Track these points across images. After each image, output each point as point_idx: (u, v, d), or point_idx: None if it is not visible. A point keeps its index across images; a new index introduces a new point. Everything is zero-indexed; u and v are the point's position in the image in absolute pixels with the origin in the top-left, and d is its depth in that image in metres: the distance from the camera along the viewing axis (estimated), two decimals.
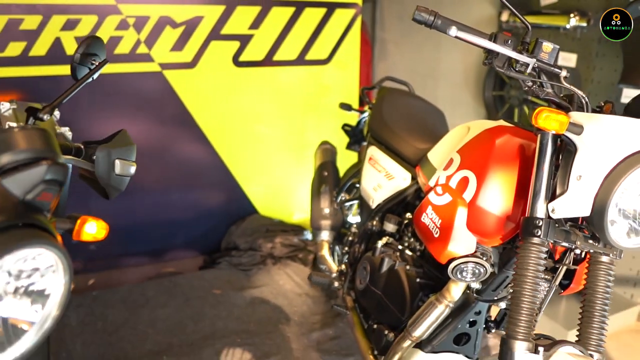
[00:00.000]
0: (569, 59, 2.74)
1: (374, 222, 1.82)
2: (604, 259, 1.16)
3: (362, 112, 2.57)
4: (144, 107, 2.81)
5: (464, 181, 1.32)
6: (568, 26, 2.66)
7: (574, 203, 1.08)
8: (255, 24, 2.92)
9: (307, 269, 2.80)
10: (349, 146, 2.64)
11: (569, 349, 1.11)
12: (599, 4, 2.57)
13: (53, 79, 2.55)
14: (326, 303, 2.51)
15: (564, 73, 1.17)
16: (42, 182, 0.75)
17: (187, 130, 2.91)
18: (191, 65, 2.85)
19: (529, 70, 1.15)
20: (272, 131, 3.15)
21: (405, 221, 1.71)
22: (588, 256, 1.20)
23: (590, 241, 1.14)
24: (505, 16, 3.02)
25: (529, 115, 1.18)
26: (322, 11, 3.08)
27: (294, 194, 3.29)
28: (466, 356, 1.49)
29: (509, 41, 1.15)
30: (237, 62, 2.94)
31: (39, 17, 2.48)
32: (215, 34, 2.84)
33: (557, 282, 1.23)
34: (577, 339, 1.16)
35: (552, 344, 1.11)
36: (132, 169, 1.06)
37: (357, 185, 2.14)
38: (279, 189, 3.28)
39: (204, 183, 3.08)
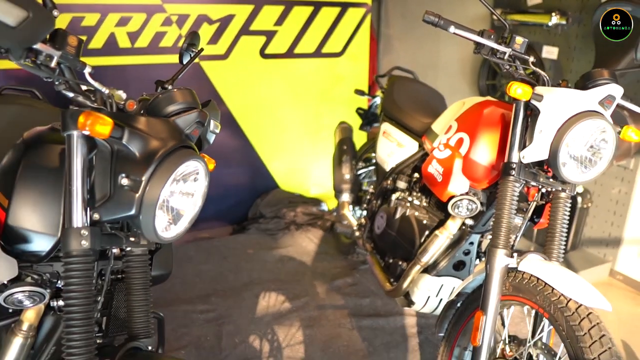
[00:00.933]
0: (551, 52, 3.17)
1: (389, 182, 2.25)
2: (563, 195, 1.59)
3: (373, 96, 3.00)
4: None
5: (460, 141, 1.76)
6: (550, 23, 3.08)
7: (537, 150, 1.51)
8: (280, 21, 3.35)
9: (325, 234, 3.24)
10: (362, 127, 3.09)
11: (537, 257, 1.54)
12: (576, 5, 3.00)
13: (109, 68, 2.97)
14: (342, 259, 2.95)
15: (531, 59, 1.59)
16: (194, 123, 1.17)
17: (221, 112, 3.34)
18: (224, 57, 3.27)
19: (506, 57, 1.58)
20: (292, 115, 3.58)
21: (414, 179, 2.15)
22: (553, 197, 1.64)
23: (551, 180, 1.58)
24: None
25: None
26: (336, 10, 3.50)
27: (312, 171, 3.72)
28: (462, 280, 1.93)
29: (492, 36, 1.57)
30: (263, 54, 3.37)
31: (98, 14, 2.89)
32: (245, 30, 3.27)
33: (529, 215, 1.66)
34: (543, 251, 1.60)
35: (524, 252, 1.54)
36: (218, 129, 1.48)
37: (373, 155, 2.58)
38: (299, 166, 3.71)
39: (232, 162, 3.51)
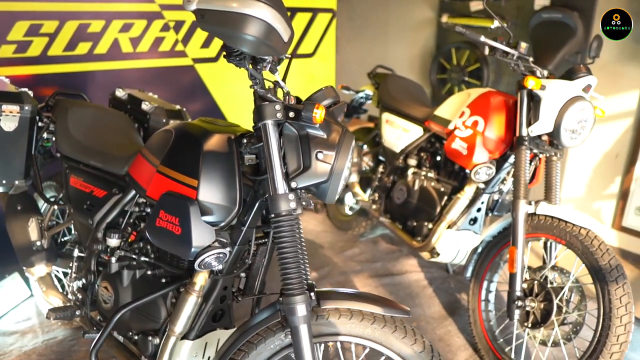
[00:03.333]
0: None
1: (400, 161, 2.73)
2: (554, 158, 2.17)
3: (357, 92, 3.45)
4: (180, 91, 3.45)
5: (476, 122, 2.28)
6: (492, 26, 3.75)
7: (543, 125, 2.06)
8: None
9: (319, 215, 3.65)
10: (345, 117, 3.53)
11: (545, 203, 2.09)
12: (513, 11, 3.68)
13: (113, 72, 3.12)
14: (343, 234, 3.38)
15: (531, 59, 2.14)
16: (340, 111, 1.53)
17: (210, 109, 3.60)
18: (215, 59, 3.54)
19: (515, 58, 2.11)
20: None
21: (423, 157, 2.64)
22: (540, 162, 2.22)
23: (547, 147, 2.14)
24: (445, 18, 4.06)
25: (519, 81, 1.92)
26: (309, 15, 3.90)
27: None
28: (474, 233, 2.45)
29: (504, 42, 2.10)
30: None
31: (103, 21, 3.04)
32: None
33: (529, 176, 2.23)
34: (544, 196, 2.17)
35: (537, 201, 2.09)
36: None
37: (377, 140, 3.03)
38: None
39: None
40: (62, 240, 2.25)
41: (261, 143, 1.40)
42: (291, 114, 1.36)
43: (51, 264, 2.03)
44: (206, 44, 3.46)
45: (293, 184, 1.36)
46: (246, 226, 1.49)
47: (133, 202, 1.77)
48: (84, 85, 3.09)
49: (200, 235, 1.39)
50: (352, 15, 4.99)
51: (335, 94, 1.51)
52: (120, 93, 2.42)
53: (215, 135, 1.49)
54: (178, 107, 2.40)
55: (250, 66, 1.34)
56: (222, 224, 1.44)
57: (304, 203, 1.48)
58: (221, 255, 1.44)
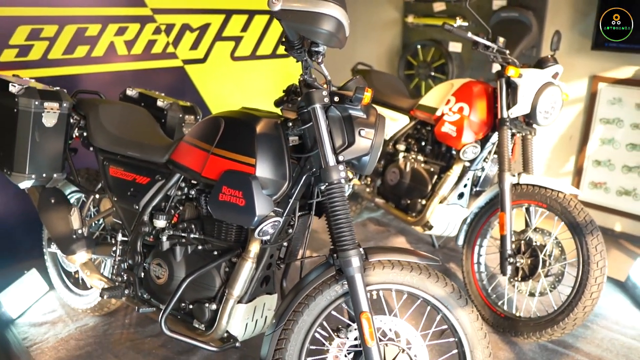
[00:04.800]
0: (456, 47, 4.23)
1: (389, 147, 3.02)
2: (529, 136, 2.53)
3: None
4: (172, 91, 3.59)
5: (461, 108, 2.60)
6: (455, 25, 4.11)
7: (521, 108, 2.40)
8: (244, 28, 3.88)
9: None
10: None
11: (525, 174, 2.43)
12: (474, 10, 4.06)
13: (111, 74, 3.25)
14: None
15: (507, 51, 2.49)
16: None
17: (199, 106, 3.77)
18: (203, 60, 3.71)
19: (495, 51, 2.45)
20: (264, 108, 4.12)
21: (411, 142, 2.95)
22: (515, 142, 2.57)
23: (524, 127, 2.50)
24: (410, 19, 4.40)
25: (499, 71, 2.43)
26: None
27: None
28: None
29: (484, 37, 2.43)
30: (233, 57, 3.87)
31: (99, 25, 3.16)
32: (219, 36, 3.74)
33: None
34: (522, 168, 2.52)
35: (519, 173, 2.43)
36: None
37: None
38: None
39: None
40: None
41: (305, 125, 1.63)
42: (336, 98, 1.61)
43: (90, 251, 2.17)
44: (194, 46, 3.63)
45: (340, 158, 1.60)
46: (293, 198, 1.72)
47: (176, 186, 1.96)
48: (82, 87, 3.19)
49: (262, 205, 1.61)
50: None
51: (364, 83, 1.77)
52: (131, 92, 2.58)
53: (264, 119, 1.71)
54: (189, 103, 2.58)
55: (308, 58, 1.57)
56: (275, 196, 1.67)
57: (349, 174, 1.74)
58: (276, 223, 1.67)
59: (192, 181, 1.94)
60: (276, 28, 4.06)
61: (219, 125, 1.77)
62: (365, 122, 1.63)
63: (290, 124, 1.70)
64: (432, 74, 4.38)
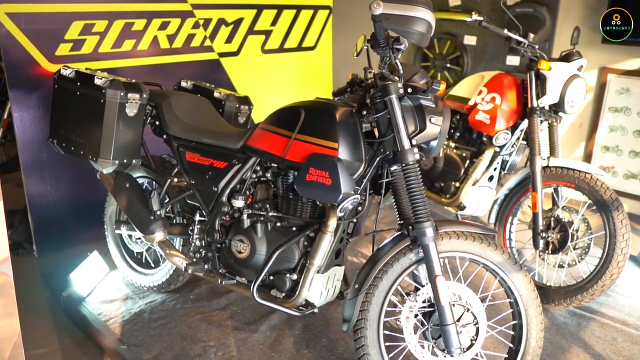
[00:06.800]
0: (471, 40, 4.46)
1: None
2: (555, 123, 2.78)
3: None
4: (208, 82, 3.77)
5: (493, 98, 2.84)
6: (470, 19, 4.34)
7: (550, 98, 2.65)
8: (274, 22, 4.07)
9: None
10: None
11: (553, 158, 2.68)
12: (488, 6, 4.30)
13: (154, 67, 3.42)
14: None
15: (537, 46, 2.72)
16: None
17: None
18: (236, 53, 3.90)
19: (525, 46, 2.68)
20: (287, 97, 4.31)
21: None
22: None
23: (551, 114, 2.74)
24: None
25: (529, 64, 2.60)
26: (310, 12, 4.33)
27: None
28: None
29: (517, 34, 2.67)
30: (263, 50, 4.06)
31: (144, 20, 3.33)
32: (251, 30, 3.93)
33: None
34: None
35: (548, 157, 2.67)
36: None
37: None
38: None
39: None
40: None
41: (379, 114, 1.85)
42: (409, 90, 1.83)
43: (167, 230, 2.37)
44: (229, 40, 3.81)
45: (413, 142, 1.83)
46: (366, 179, 1.94)
47: (251, 169, 2.17)
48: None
49: (346, 184, 1.83)
50: (343, 11, 5.44)
51: (427, 75, 1.99)
52: (185, 83, 2.77)
53: (342, 108, 1.92)
54: (243, 94, 2.78)
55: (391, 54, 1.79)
56: (354, 176, 1.89)
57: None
58: (355, 200, 1.89)
59: (267, 164, 2.15)
60: (302, 22, 4.26)
61: (299, 114, 1.98)
62: (434, 110, 1.86)
63: (365, 112, 1.91)
64: (448, 65, 4.61)
